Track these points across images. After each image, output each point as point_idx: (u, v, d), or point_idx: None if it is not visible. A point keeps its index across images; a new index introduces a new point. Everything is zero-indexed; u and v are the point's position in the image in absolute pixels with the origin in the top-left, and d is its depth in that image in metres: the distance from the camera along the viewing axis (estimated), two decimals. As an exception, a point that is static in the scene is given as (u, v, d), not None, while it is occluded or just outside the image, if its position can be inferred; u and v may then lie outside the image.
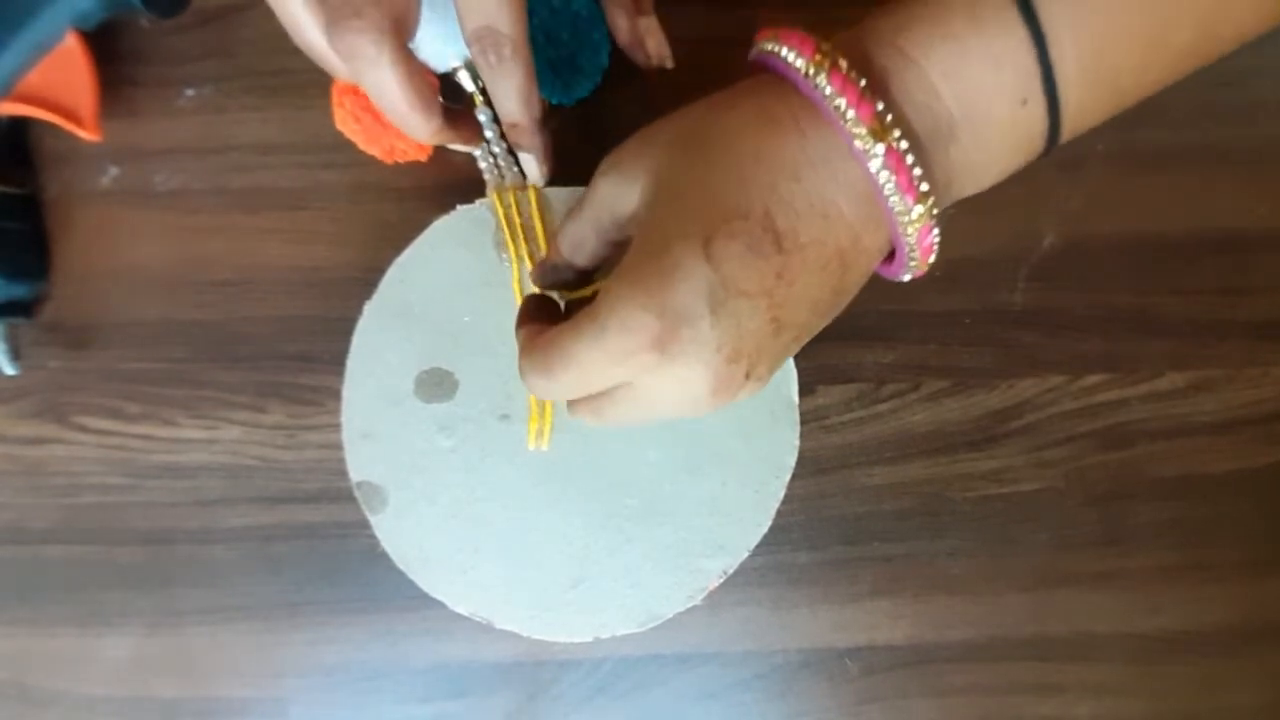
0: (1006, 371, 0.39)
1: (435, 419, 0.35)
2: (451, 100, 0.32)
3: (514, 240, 0.35)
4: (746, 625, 0.38)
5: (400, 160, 0.37)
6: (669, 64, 0.36)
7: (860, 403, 0.39)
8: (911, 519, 0.39)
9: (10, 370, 0.37)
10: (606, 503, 0.35)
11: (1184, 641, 0.39)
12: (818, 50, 0.24)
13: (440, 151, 0.37)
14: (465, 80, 0.33)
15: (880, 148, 0.24)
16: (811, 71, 0.24)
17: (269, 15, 0.30)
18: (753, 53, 0.27)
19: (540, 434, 0.34)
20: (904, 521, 0.39)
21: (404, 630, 0.38)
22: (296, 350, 0.38)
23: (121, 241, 0.38)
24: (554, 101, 0.37)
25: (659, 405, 0.26)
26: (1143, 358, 0.39)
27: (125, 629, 0.38)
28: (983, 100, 0.25)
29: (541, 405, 0.34)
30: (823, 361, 0.38)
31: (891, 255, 0.27)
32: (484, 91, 0.33)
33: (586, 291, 0.31)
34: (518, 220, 0.35)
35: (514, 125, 0.31)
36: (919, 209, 0.24)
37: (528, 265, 0.35)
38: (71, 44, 0.35)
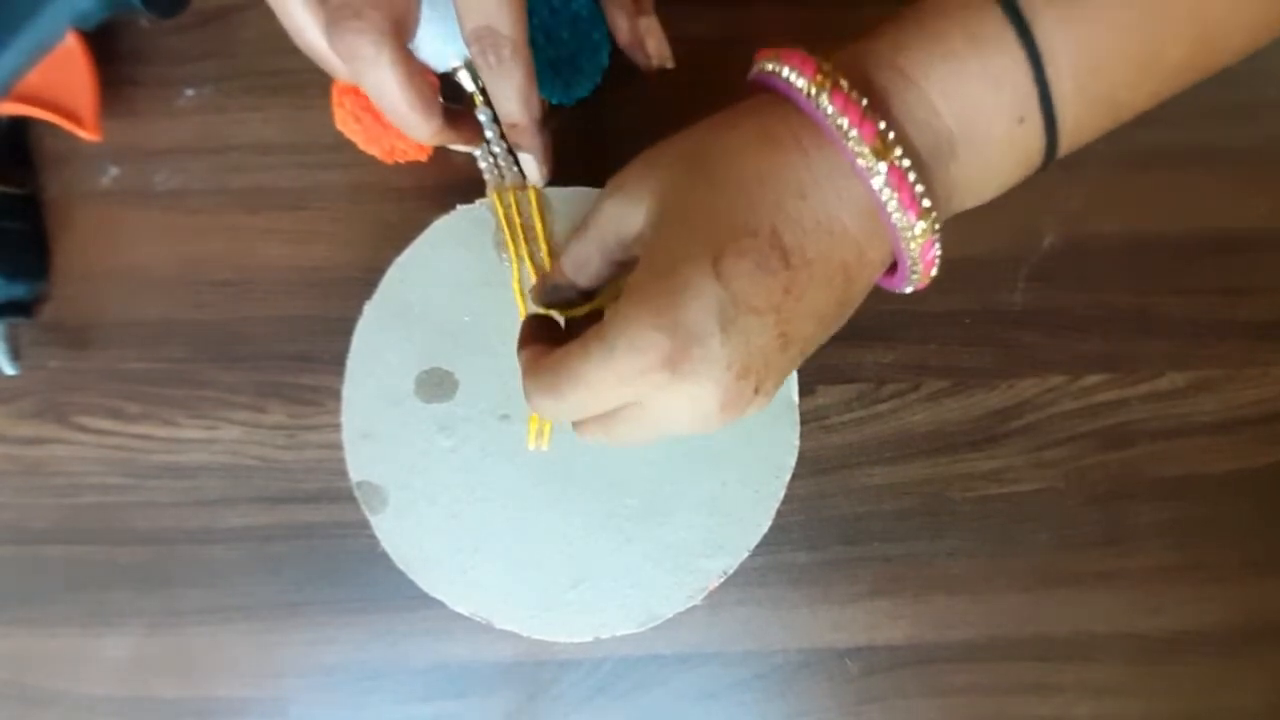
0: (1007, 371, 0.39)
1: (435, 419, 0.35)
2: (451, 100, 0.32)
3: (514, 240, 0.35)
4: (746, 625, 0.38)
5: (400, 160, 0.37)
6: (669, 64, 0.36)
7: (860, 403, 0.39)
8: (911, 519, 0.39)
9: (10, 370, 0.37)
10: (606, 503, 0.35)
11: (1184, 641, 0.39)
12: (819, 70, 0.24)
13: (440, 151, 0.37)
14: (465, 80, 0.33)
15: (883, 166, 0.24)
16: (813, 91, 0.24)
17: (269, 15, 0.30)
18: (752, 72, 0.27)
19: (540, 434, 0.34)
20: (904, 521, 0.39)
21: (404, 630, 0.38)
22: (296, 350, 0.38)
23: (121, 241, 0.38)
24: (554, 101, 0.37)
25: (668, 423, 0.26)
26: (1143, 358, 0.39)
27: (125, 629, 0.38)
28: (981, 119, 0.25)
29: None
30: (823, 361, 0.38)
31: (893, 267, 0.27)
32: (484, 91, 0.33)
33: (587, 309, 0.31)
34: (518, 220, 0.35)
35: (514, 125, 0.31)
36: (921, 225, 0.25)
37: (528, 265, 0.35)
38: (71, 44, 0.35)
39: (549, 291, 0.31)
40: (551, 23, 0.36)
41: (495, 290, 0.35)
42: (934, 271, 0.27)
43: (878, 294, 0.28)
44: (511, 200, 0.35)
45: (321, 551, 0.38)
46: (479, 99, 0.33)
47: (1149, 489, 0.39)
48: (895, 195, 0.24)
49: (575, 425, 0.28)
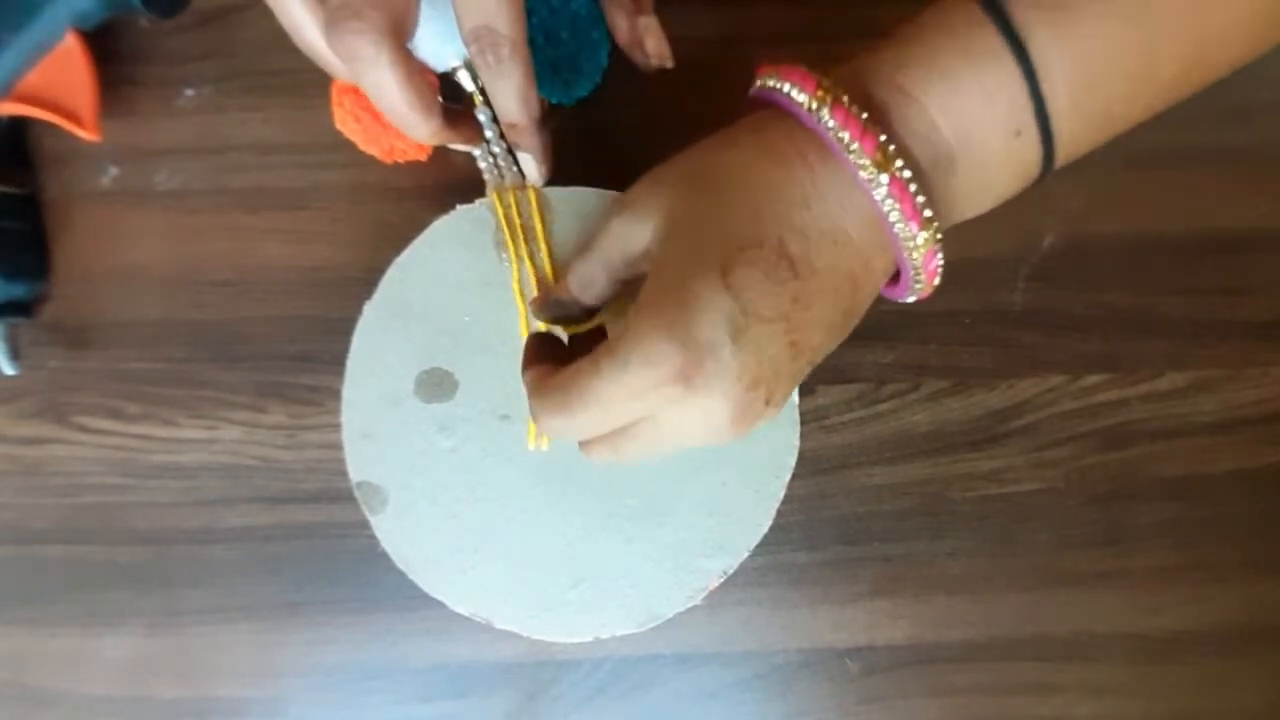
0: (1006, 371, 0.39)
1: (435, 419, 0.35)
2: (451, 100, 0.32)
3: (514, 240, 0.35)
4: (746, 625, 0.38)
5: (400, 160, 0.37)
6: (669, 64, 0.36)
7: (860, 403, 0.39)
8: (911, 519, 0.39)
9: (10, 370, 0.37)
10: (606, 503, 0.35)
11: (1184, 641, 0.39)
12: (819, 86, 0.25)
13: (440, 151, 0.37)
14: (465, 80, 0.33)
15: (884, 177, 0.24)
16: (814, 106, 0.25)
17: (269, 15, 0.30)
18: (753, 89, 0.28)
19: (540, 434, 0.34)
20: (904, 521, 0.39)
21: (404, 630, 0.38)
22: (296, 350, 0.38)
23: (121, 241, 0.38)
24: (554, 101, 0.37)
25: (680, 437, 0.26)
26: (1143, 358, 0.39)
27: (125, 629, 0.38)
28: (979, 133, 0.25)
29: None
30: (823, 361, 0.38)
31: (896, 277, 0.28)
32: (484, 91, 0.33)
33: (591, 325, 0.31)
34: (518, 220, 0.35)
35: (513, 125, 0.31)
36: (924, 234, 0.25)
37: (527, 265, 0.35)
38: (71, 44, 0.35)
39: (553, 308, 0.31)
40: (551, 22, 0.36)
41: (495, 290, 0.35)
42: (936, 281, 0.27)
43: (878, 296, 0.28)
44: (511, 200, 0.35)
45: (321, 551, 0.38)
46: (478, 99, 0.33)
47: (1149, 489, 0.39)
48: (897, 206, 0.25)
49: (582, 446, 0.28)
